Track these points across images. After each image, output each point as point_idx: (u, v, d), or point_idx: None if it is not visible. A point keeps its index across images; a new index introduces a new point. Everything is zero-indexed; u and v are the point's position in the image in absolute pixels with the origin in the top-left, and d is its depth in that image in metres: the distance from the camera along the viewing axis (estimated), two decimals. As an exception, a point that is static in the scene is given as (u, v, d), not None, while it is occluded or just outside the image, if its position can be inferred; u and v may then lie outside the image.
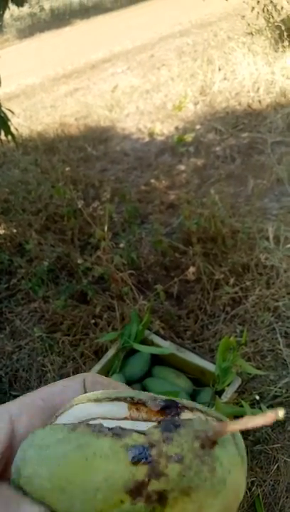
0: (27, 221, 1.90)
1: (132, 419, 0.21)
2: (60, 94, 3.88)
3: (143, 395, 0.22)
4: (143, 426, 0.20)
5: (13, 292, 1.61)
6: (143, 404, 0.21)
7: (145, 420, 0.20)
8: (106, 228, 1.23)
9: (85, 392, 0.24)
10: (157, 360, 1.09)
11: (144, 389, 1.02)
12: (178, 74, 3.50)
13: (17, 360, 1.37)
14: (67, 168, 2.09)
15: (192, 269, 1.20)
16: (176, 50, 4.17)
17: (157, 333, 1.11)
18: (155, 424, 0.19)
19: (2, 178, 2.47)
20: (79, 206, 1.23)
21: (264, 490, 1.01)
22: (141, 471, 0.18)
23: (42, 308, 1.48)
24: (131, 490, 0.18)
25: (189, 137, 2.59)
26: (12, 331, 1.47)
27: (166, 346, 1.04)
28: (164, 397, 0.21)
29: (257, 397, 0.96)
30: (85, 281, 1.49)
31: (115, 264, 1.27)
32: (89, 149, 2.63)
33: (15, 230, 1.84)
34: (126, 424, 0.20)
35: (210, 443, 0.18)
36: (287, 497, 1.01)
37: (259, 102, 2.78)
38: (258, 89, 2.90)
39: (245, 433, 1.09)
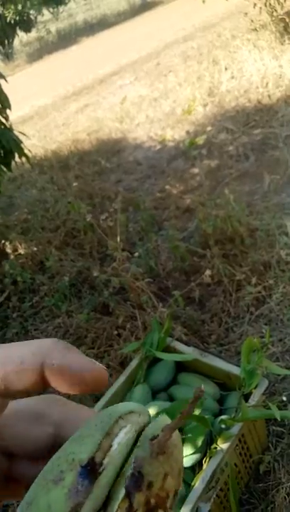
0: (46, 239, 1.94)
1: None
2: (71, 112, 3.96)
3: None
4: None
5: (37, 310, 1.64)
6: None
7: None
8: (118, 239, 1.23)
9: None
10: (182, 367, 1.08)
11: (171, 397, 1.01)
12: (184, 79, 3.50)
13: (45, 376, 1.39)
14: (76, 183, 2.12)
15: (208, 272, 1.18)
16: (181, 56, 4.18)
17: (180, 339, 1.10)
18: None
19: (21, 199, 2.53)
20: (88, 219, 1.24)
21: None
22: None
23: (66, 323, 1.50)
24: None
25: (200, 140, 2.58)
26: (39, 348, 1.49)
27: (189, 352, 1.03)
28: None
29: (284, 398, 0.93)
30: (106, 292, 1.50)
31: (132, 273, 1.27)
32: (102, 162, 2.66)
33: (35, 248, 1.87)
34: None
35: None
36: None
37: (269, 96, 2.74)
38: (267, 84, 2.86)
39: (279, 436, 1.06)
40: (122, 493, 0.18)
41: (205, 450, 0.85)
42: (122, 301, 1.48)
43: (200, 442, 0.83)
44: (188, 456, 0.84)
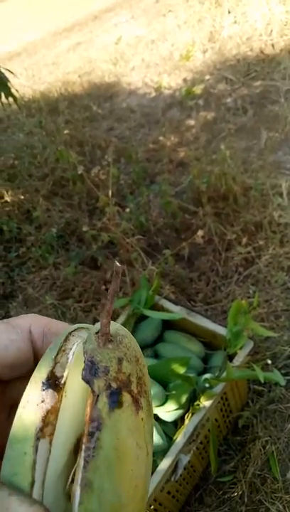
0: (34, 187, 1.87)
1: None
2: (61, 50, 3.71)
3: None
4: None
5: (23, 260, 1.61)
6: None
7: None
8: (110, 193, 1.18)
9: None
10: (169, 324, 1.08)
11: (156, 354, 1.02)
12: (185, 20, 3.28)
13: (31, 327, 1.39)
14: (66, 131, 2.01)
15: (200, 232, 1.16)
16: (183, -7, 3.89)
17: (168, 297, 1.10)
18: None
19: (7, 142, 2.42)
20: (80, 172, 1.19)
21: (278, 447, 1.03)
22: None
23: (53, 275, 1.48)
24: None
25: (198, 89, 2.46)
26: (25, 298, 1.48)
27: (177, 311, 1.03)
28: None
29: (269, 361, 0.95)
30: (95, 246, 1.48)
31: (122, 229, 1.24)
32: (94, 108, 2.53)
33: (22, 197, 1.81)
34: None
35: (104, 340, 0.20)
36: (301, 453, 1.02)
37: (272, 46, 2.60)
38: (271, 31, 2.70)
39: (259, 394, 1.10)
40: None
41: (188, 406, 0.87)
42: (111, 256, 1.46)
43: (183, 399, 0.85)
44: (171, 411, 0.86)
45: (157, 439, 0.83)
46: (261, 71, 2.45)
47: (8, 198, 1.81)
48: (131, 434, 0.19)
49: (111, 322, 0.21)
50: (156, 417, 0.88)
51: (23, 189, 1.87)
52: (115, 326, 0.21)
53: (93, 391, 0.18)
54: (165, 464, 0.79)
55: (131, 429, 0.19)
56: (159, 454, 0.83)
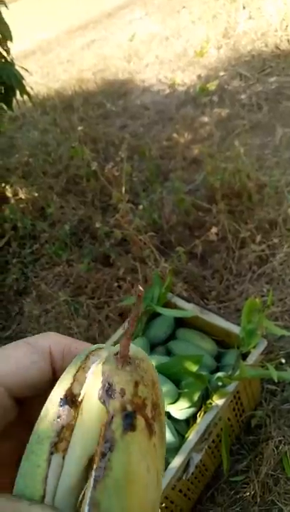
0: (48, 184, 1.88)
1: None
2: (76, 48, 3.71)
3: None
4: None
5: (37, 257, 1.62)
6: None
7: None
8: (123, 191, 1.18)
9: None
10: (181, 322, 1.08)
11: (169, 352, 1.02)
12: (199, 16, 3.25)
13: (44, 323, 1.40)
14: (80, 127, 2.02)
15: (214, 230, 1.15)
16: (197, -11, 3.85)
17: (180, 295, 1.09)
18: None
19: (22, 140, 2.43)
20: (93, 168, 1.19)
21: (291, 447, 1.01)
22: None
23: (66, 272, 1.49)
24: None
25: (212, 86, 2.44)
26: (38, 295, 1.49)
27: (189, 309, 1.02)
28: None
29: (283, 361, 0.94)
30: (108, 243, 1.48)
31: (135, 226, 1.23)
32: (108, 105, 2.53)
33: (36, 194, 1.82)
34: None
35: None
36: (315, 454, 1.00)
37: (288, 41, 2.56)
38: (286, 26, 2.66)
39: (272, 393, 1.08)
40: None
41: (201, 405, 0.87)
42: (124, 253, 1.46)
43: (196, 397, 0.84)
44: (183, 409, 0.85)
45: (169, 436, 0.82)
46: (277, 67, 2.42)
47: (22, 195, 1.83)
48: (142, 458, 0.19)
49: (131, 345, 0.21)
50: (168, 415, 0.88)
51: (37, 186, 1.88)
52: (134, 349, 0.21)
53: (108, 412, 0.19)
54: (176, 461, 0.78)
55: (143, 453, 0.19)
56: (171, 451, 0.83)
